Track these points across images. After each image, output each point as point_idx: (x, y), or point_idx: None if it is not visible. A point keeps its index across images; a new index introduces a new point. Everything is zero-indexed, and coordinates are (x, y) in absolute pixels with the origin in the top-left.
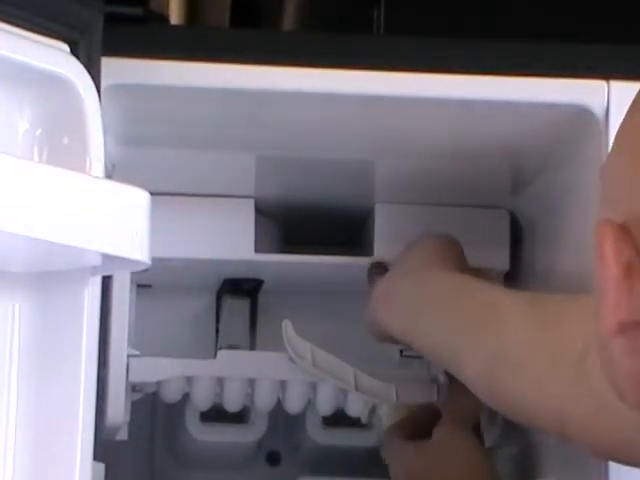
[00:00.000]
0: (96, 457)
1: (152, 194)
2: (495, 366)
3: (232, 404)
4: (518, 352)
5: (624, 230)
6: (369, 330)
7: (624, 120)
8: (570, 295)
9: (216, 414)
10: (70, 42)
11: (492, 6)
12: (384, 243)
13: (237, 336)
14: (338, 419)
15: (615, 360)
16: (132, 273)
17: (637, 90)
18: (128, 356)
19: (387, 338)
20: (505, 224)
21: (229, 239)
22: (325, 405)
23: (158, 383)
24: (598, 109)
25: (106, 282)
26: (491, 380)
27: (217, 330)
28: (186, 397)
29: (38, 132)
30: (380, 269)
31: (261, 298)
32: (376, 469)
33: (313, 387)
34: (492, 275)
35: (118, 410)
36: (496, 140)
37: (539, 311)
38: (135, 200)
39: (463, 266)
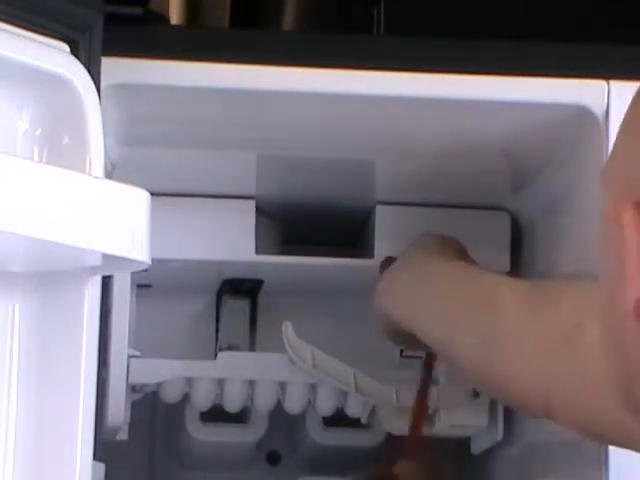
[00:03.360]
0: (96, 457)
1: (152, 194)
2: (485, 348)
3: (232, 405)
4: (508, 334)
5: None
6: (377, 326)
7: (633, 103)
8: (566, 280)
9: (216, 414)
10: (70, 42)
11: (492, 6)
12: (384, 244)
13: (237, 336)
14: (338, 419)
15: (628, 342)
16: (132, 273)
17: (637, 89)
18: (128, 357)
19: (394, 332)
20: (505, 225)
21: (230, 240)
22: (325, 406)
23: (158, 384)
24: (598, 109)
25: (106, 282)
26: (481, 362)
27: (217, 330)
28: (186, 397)
29: (38, 132)
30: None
31: (261, 299)
32: None
33: (313, 388)
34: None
35: (118, 410)
36: (496, 140)
37: (534, 294)
38: (135, 200)
39: (466, 259)
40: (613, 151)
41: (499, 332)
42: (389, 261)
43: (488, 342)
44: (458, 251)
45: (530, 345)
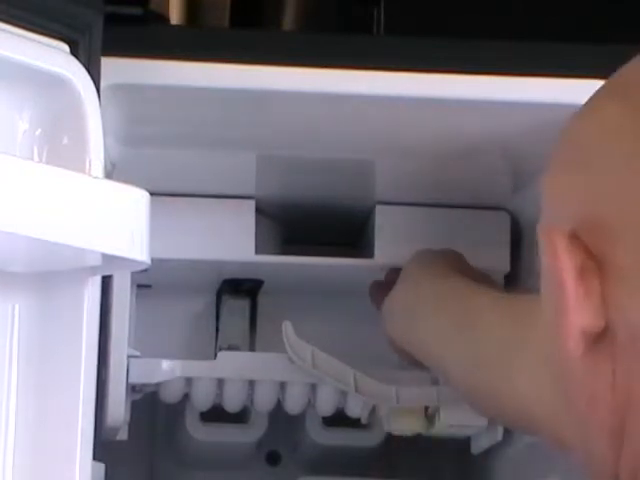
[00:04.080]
0: (96, 457)
1: (152, 194)
2: (473, 368)
3: (232, 405)
4: (491, 352)
5: (573, 236)
6: (393, 350)
7: (561, 136)
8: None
9: (216, 414)
10: (70, 42)
11: (492, 6)
12: (385, 244)
13: (237, 336)
14: (338, 419)
15: (578, 381)
16: (132, 273)
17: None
18: (128, 357)
19: (400, 351)
20: (506, 225)
21: (229, 240)
22: (325, 406)
23: (158, 384)
24: None
25: (106, 282)
26: (470, 381)
27: (217, 330)
28: (186, 397)
29: (38, 132)
30: (381, 286)
31: (261, 299)
32: (376, 469)
33: (313, 388)
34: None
35: (118, 410)
36: (496, 140)
37: (514, 310)
38: (135, 200)
39: (464, 269)
40: (550, 167)
41: (481, 351)
42: (378, 286)
43: (473, 363)
44: (454, 259)
45: (509, 362)
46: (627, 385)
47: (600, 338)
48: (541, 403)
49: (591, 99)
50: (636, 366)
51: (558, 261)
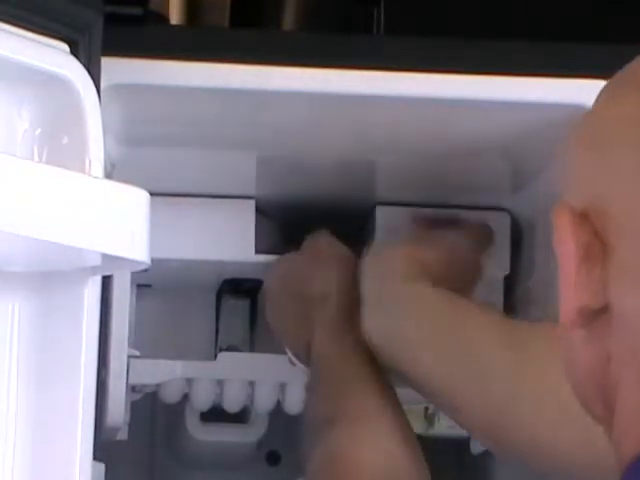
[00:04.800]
0: (96, 457)
1: (152, 194)
2: (495, 418)
3: (232, 405)
4: (507, 398)
5: (583, 215)
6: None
7: (583, 118)
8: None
9: (216, 414)
10: (70, 42)
11: (492, 6)
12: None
13: (237, 336)
14: None
15: (575, 352)
16: (132, 273)
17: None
18: (128, 357)
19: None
20: (506, 226)
21: (229, 240)
22: None
23: (158, 384)
24: None
25: (106, 282)
26: (494, 431)
27: (217, 330)
28: (186, 397)
29: (38, 132)
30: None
31: (261, 299)
32: None
33: None
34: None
35: (118, 410)
36: (496, 140)
37: (519, 352)
38: (135, 200)
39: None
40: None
41: (503, 400)
42: None
43: (494, 412)
44: (425, 270)
45: (526, 409)
46: (618, 370)
47: (598, 315)
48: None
49: (613, 84)
50: (625, 355)
51: (565, 238)
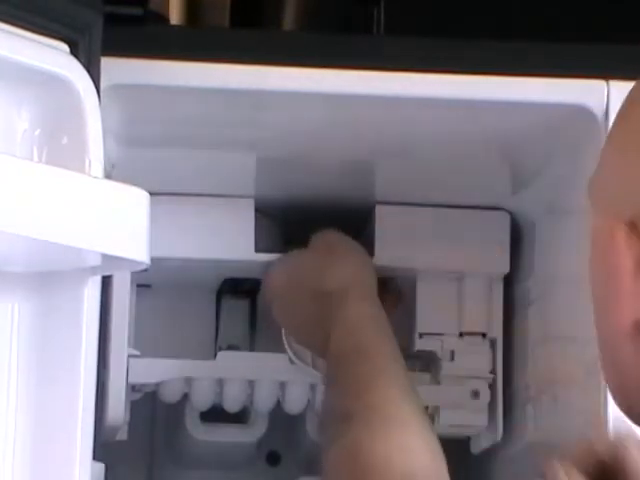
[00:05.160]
0: (96, 457)
1: (152, 194)
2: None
3: (232, 404)
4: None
5: (632, 224)
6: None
7: (618, 122)
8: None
9: (216, 414)
10: (70, 42)
11: (492, 7)
12: (385, 244)
13: (237, 336)
14: None
15: (624, 359)
16: (132, 273)
17: (625, 99)
18: (128, 356)
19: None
20: (505, 226)
21: (229, 239)
22: None
23: (158, 383)
24: (598, 109)
25: (106, 282)
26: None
27: (217, 330)
28: (186, 397)
29: (37, 132)
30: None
31: (261, 299)
32: None
33: (313, 388)
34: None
35: (118, 410)
36: (496, 140)
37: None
38: (135, 200)
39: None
40: (600, 164)
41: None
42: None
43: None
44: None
45: None
46: None
47: None
48: None
49: None
50: None
51: (619, 252)
